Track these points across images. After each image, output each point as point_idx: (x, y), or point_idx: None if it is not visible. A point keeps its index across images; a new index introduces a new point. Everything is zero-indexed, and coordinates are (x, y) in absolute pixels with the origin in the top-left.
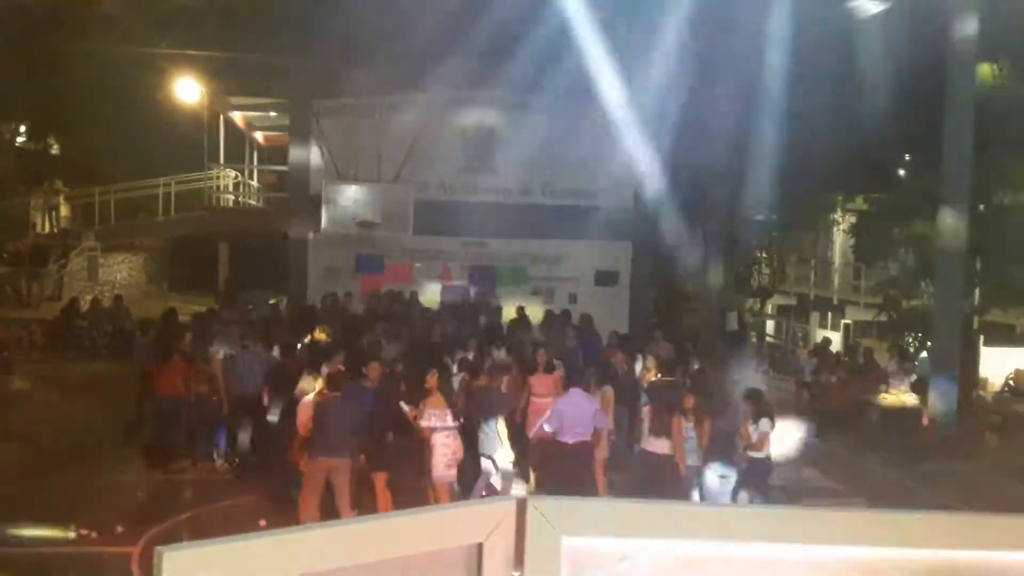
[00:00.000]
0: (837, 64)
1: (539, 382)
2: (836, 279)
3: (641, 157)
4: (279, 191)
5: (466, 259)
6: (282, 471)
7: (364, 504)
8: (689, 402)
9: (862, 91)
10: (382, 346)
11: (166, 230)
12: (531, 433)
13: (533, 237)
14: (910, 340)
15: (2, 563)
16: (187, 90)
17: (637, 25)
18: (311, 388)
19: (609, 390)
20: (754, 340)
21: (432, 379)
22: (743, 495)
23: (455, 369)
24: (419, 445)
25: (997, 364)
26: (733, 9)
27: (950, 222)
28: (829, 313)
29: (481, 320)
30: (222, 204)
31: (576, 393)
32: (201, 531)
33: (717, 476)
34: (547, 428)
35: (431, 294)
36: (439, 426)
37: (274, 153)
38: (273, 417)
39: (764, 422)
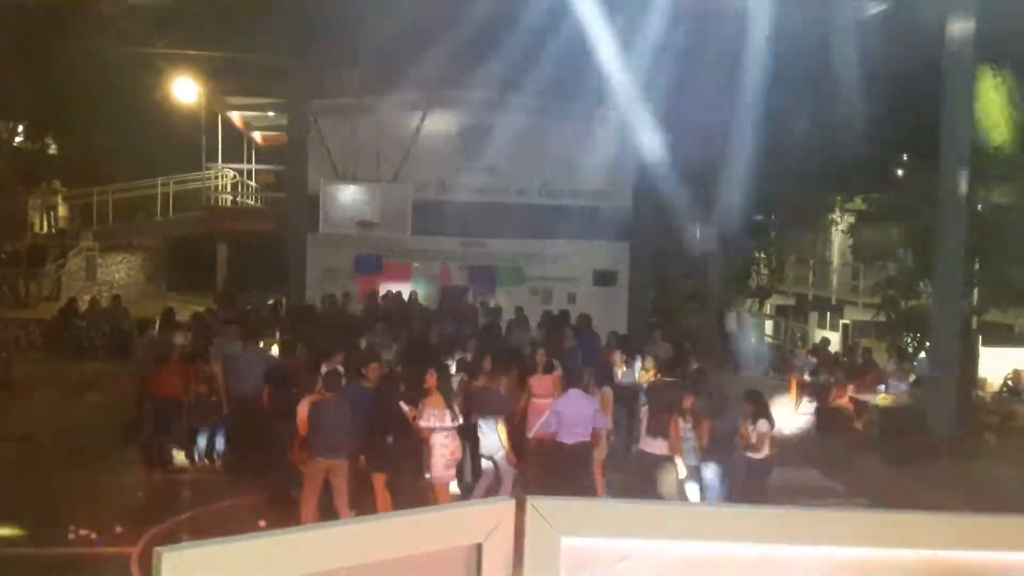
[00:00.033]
0: (836, 64)
1: (538, 383)
2: (835, 279)
3: (640, 157)
4: (277, 191)
5: (465, 259)
6: (282, 471)
7: (363, 504)
8: (687, 402)
9: (861, 91)
10: (381, 348)
11: (164, 230)
12: (530, 434)
13: (532, 237)
14: (909, 340)
15: (3, 563)
16: (185, 90)
17: (636, 25)
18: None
19: (608, 391)
20: (753, 340)
21: (431, 379)
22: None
23: (453, 369)
24: (418, 445)
25: (996, 364)
26: (732, 8)
27: (949, 222)
28: (828, 313)
29: (480, 320)
30: (220, 204)
31: (575, 394)
32: (200, 531)
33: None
34: (546, 428)
35: (430, 294)
36: (438, 426)
37: (272, 153)
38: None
39: (763, 423)
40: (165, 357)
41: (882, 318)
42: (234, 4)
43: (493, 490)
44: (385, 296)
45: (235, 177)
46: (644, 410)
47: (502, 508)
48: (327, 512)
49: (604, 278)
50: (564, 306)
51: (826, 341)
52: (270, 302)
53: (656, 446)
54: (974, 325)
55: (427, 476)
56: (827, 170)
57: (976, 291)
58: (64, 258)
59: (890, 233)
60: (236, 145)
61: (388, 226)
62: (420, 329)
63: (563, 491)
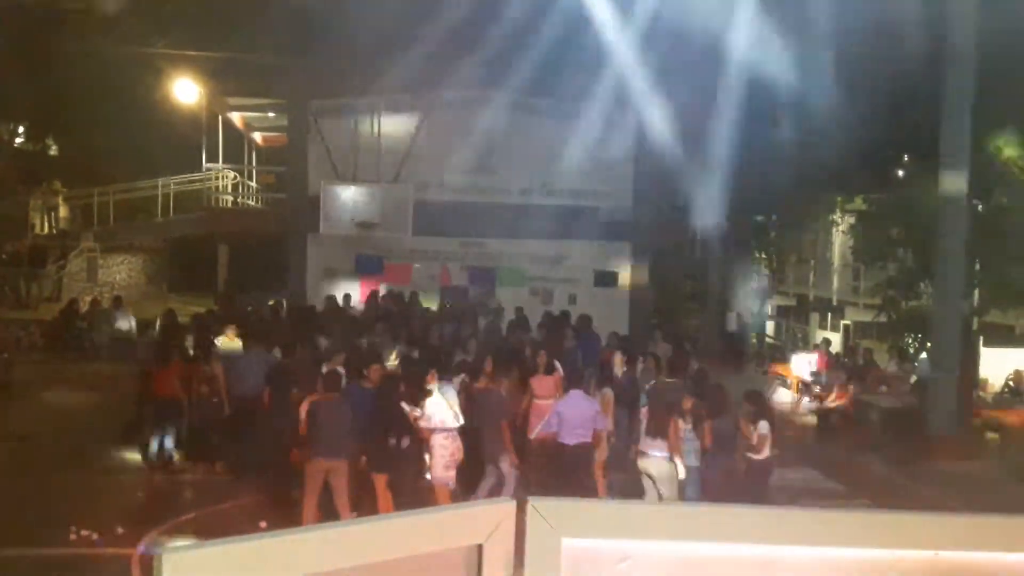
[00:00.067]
0: (837, 64)
1: (540, 383)
2: (835, 280)
3: (640, 157)
4: (278, 192)
5: (465, 260)
6: (283, 472)
7: (365, 505)
8: (687, 403)
9: (862, 91)
10: (382, 348)
11: (165, 231)
12: (532, 434)
13: (532, 238)
14: (910, 341)
15: (4, 563)
16: (185, 91)
17: (636, 25)
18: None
19: (609, 392)
20: (754, 341)
21: (432, 379)
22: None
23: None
24: (418, 446)
25: (997, 365)
26: (731, 8)
27: (949, 222)
28: (829, 314)
29: (480, 321)
30: (221, 205)
31: (576, 394)
32: (201, 532)
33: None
34: (548, 429)
35: (430, 295)
36: (438, 427)
37: (273, 154)
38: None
39: (763, 424)
40: (165, 358)
41: (883, 319)
42: (234, 4)
43: (495, 492)
44: (385, 296)
45: (236, 178)
46: (644, 411)
47: (503, 509)
48: (328, 513)
49: (605, 279)
50: (565, 307)
51: (827, 342)
52: (270, 303)
53: (656, 447)
54: (975, 326)
55: (427, 476)
56: (828, 170)
57: (977, 292)
58: (65, 259)
59: (890, 234)
60: (237, 146)
61: (389, 227)
62: (420, 329)
63: (564, 492)
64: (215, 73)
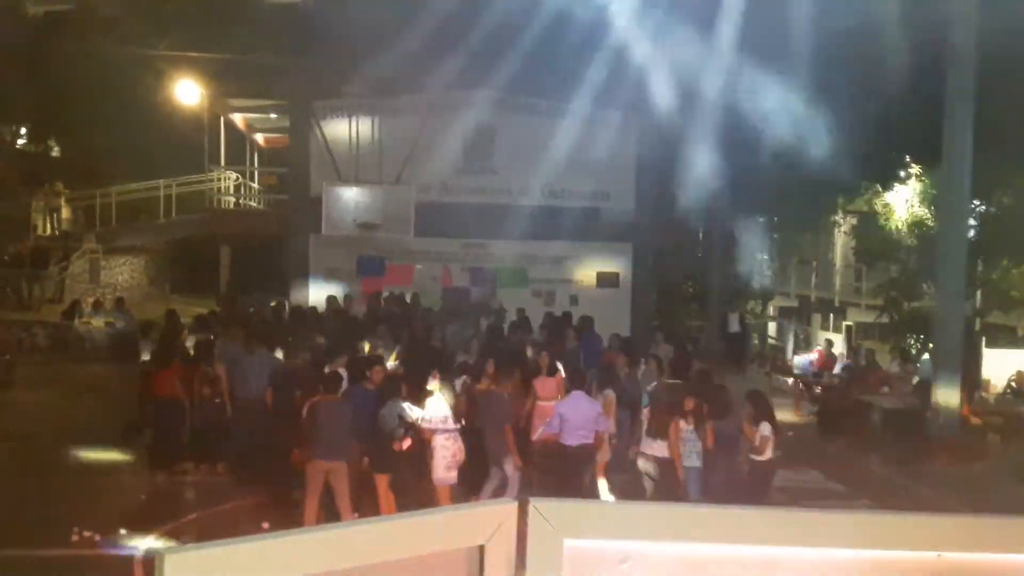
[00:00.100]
0: (838, 63)
1: (543, 385)
2: (837, 281)
3: (642, 158)
4: (280, 193)
5: (467, 261)
6: (285, 473)
7: (366, 506)
8: (689, 404)
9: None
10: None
11: (167, 232)
12: (535, 436)
13: (534, 239)
14: (912, 342)
15: (6, 564)
16: (187, 92)
17: (637, 25)
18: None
19: (611, 393)
20: (756, 342)
21: (434, 380)
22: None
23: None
24: (420, 447)
25: (999, 366)
26: (732, 9)
27: (951, 223)
28: (831, 315)
29: (482, 322)
30: (223, 206)
31: (578, 396)
32: (203, 533)
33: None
34: (550, 430)
35: (432, 296)
36: (440, 427)
37: (275, 155)
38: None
39: (765, 426)
40: (166, 359)
41: (885, 320)
42: (236, 5)
43: (499, 494)
44: (387, 298)
45: (237, 179)
46: (646, 412)
47: (504, 510)
48: (330, 514)
49: (606, 280)
50: (566, 308)
51: (829, 343)
52: (272, 304)
53: (656, 448)
54: (977, 327)
55: (431, 478)
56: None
57: (979, 293)
58: (67, 260)
59: (893, 234)
60: (238, 147)
61: (390, 228)
62: (422, 331)
63: (566, 493)
64: (217, 74)
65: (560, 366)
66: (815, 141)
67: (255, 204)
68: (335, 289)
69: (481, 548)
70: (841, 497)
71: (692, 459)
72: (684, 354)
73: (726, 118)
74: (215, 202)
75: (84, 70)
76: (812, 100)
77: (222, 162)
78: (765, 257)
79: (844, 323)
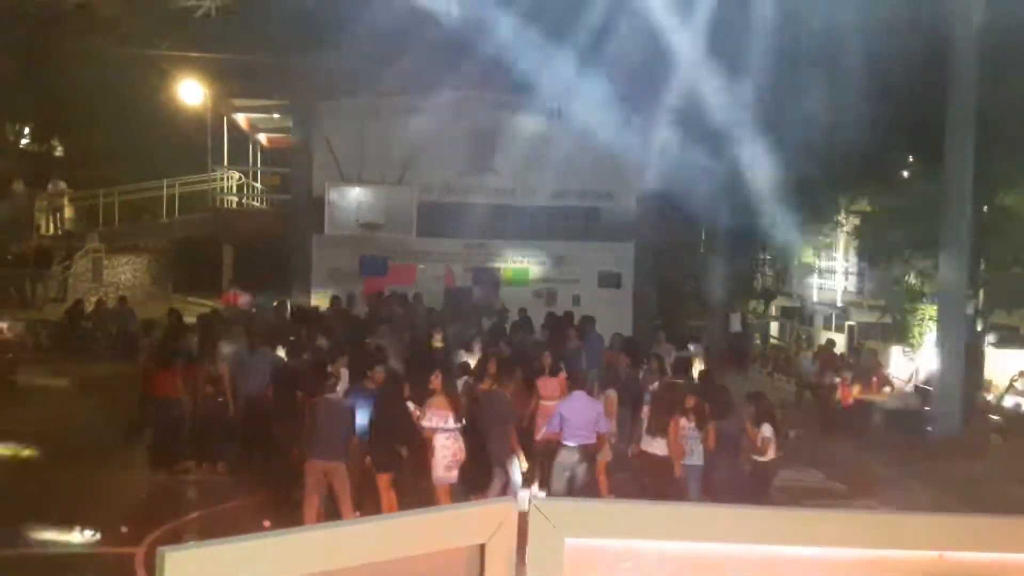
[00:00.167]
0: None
1: (545, 385)
2: (839, 281)
3: (643, 159)
4: (283, 193)
5: (469, 261)
6: (286, 472)
7: (368, 505)
8: (690, 402)
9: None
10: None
11: (170, 232)
12: (538, 436)
13: (536, 239)
14: (914, 342)
15: (7, 563)
16: (190, 92)
17: (638, 25)
18: None
19: (613, 393)
20: (758, 342)
21: (436, 380)
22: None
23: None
24: (421, 446)
25: (1002, 366)
26: (734, 9)
27: (953, 223)
28: (833, 315)
29: (484, 322)
30: (226, 206)
31: (579, 395)
32: (205, 532)
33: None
34: (551, 430)
35: (434, 296)
36: (440, 427)
37: (277, 155)
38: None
39: (766, 427)
40: (167, 358)
41: (887, 320)
42: (239, 5)
43: (503, 494)
44: (389, 298)
45: (240, 179)
46: (646, 410)
47: (505, 509)
48: (331, 513)
49: (608, 280)
50: (568, 308)
51: (832, 343)
52: (275, 303)
53: (656, 446)
54: (980, 327)
55: (431, 477)
56: (832, 171)
57: (982, 293)
58: (70, 259)
59: (895, 235)
60: (241, 147)
61: (393, 228)
62: (424, 331)
63: (566, 492)
64: (220, 74)
65: (561, 365)
66: (816, 140)
67: (258, 204)
68: (337, 289)
69: (482, 547)
70: (842, 497)
71: (693, 457)
72: (686, 354)
73: (728, 117)
74: (218, 202)
75: (88, 70)
76: (814, 99)
77: (225, 162)
78: (767, 257)
79: (846, 323)
